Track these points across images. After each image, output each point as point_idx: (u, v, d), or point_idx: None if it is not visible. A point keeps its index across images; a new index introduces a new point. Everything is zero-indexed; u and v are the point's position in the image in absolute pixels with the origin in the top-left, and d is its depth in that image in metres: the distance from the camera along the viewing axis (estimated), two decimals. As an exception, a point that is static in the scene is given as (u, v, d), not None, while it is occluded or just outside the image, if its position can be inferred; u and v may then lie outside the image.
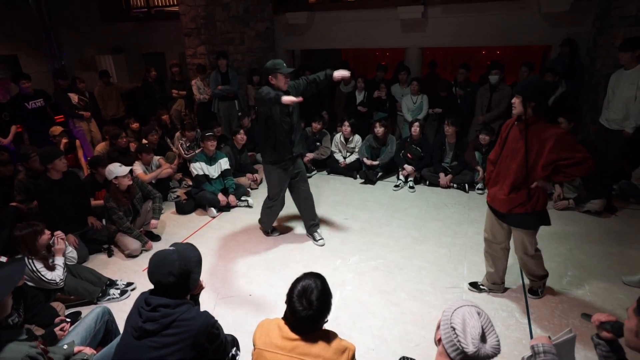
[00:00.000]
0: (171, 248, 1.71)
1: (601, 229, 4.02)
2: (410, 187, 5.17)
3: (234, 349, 2.00)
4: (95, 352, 2.05)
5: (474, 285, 3.19)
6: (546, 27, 5.66)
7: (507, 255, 3.00)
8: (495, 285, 3.11)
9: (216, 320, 1.72)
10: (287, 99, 2.99)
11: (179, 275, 1.63)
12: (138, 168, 4.69)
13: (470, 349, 1.29)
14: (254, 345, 1.64)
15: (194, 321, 1.59)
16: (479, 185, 5.00)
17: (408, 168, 5.24)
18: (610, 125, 4.43)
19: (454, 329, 1.35)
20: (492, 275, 3.07)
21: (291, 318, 1.58)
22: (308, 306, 1.53)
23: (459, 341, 1.32)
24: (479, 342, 1.30)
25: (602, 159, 4.40)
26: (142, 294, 1.72)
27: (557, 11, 5.37)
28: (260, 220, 4.14)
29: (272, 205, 3.86)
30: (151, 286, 1.69)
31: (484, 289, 3.15)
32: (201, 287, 1.93)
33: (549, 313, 2.93)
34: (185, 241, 4.06)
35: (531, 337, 2.71)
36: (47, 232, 2.87)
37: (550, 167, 2.48)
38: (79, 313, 2.98)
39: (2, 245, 3.40)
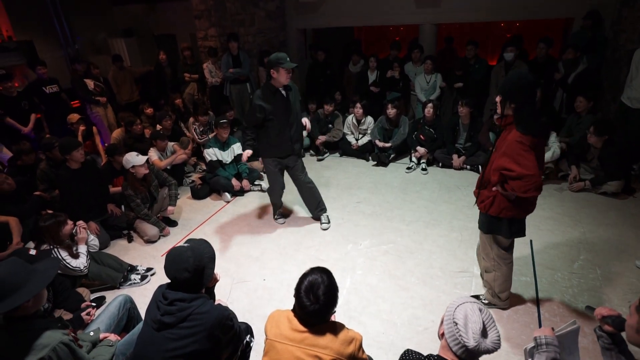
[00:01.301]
0: (186, 245, 1.79)
1: (617, 211, 3.97)
2: (423, 169, 5.15)
3: (248, 335, 2.10)
4: (119, 338, 2.19)
5: None
6: (568, -1, 5.41)
7: None
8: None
9: (230, 312, 1.81)
10: (245, 154, 3.75)
11: (193, 271, 1.71)
12: (153, 154, 4.79)
13: (471, 343, 1.36)
14: (265, 335, 1.73)
15: (209, 314, 1.68)
16: (493, 167, 4.94)
17: (421, 150, 5.21)
18: (632, 104, 4.29)
19: (456, 324, 1.41)
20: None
21: (300, 312, 1.66)
22: (315, 301, 1.60)
23: (460, 336, 1.39)
24: (479, 337, 1.36)
25: (621, 138, 4.30)
26: (160, 287, 1.82)
27: (580, -18, 5.12)
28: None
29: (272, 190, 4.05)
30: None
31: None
32: (216, 280, 2.03)
33: (559, 297, 2.96)
34: (201, 226, 4.22)
35: (539, 321, 2.75)
36: (70, 222, 3.01)
37: (497, 172, 2.31)
38: (104, 298, 3.16)
39: (29, 232, 3.57)
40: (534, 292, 3.02)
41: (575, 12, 5.52)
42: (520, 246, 3.50)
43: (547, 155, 4.40)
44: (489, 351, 1.39)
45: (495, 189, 2.37)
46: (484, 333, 1.39)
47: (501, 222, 2.46)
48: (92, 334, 2.11)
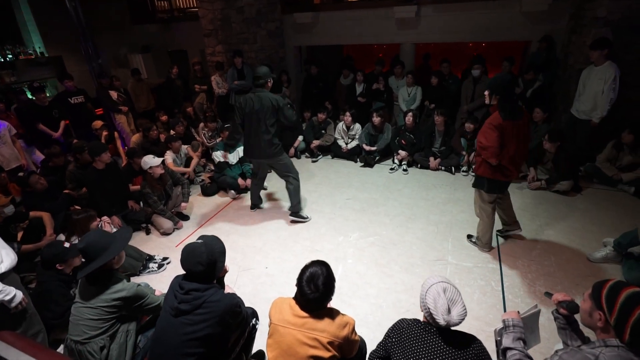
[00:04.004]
0: (199, 241, 1.75)
1: (568, 207, 4.01)
2: (404, 170, 5.15)
3: (254, 319, 2.07)
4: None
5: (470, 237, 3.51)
6: (526, 25, 5.43)
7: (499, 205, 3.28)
8: (505, 224, 3.44)
9: (238, 300, 1.78)
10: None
11: (206, 264, 1.68)
12: (169, 157, 4.72)
13: (442, 322, 1.46)
14: (270, 320, 1.71)
15: (220, 303, 1.66)
16: (464, 168, 4.97)
17: (402, 153, 5.21)
18: (579, 115, 4.33)
19: (429, 309, 1.50)
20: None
21: (301, 299, 1.64)
22: (315, 290, 1.58)
23: (433, 318, 1.49)
24: (447, 315, 1.46)
25: (571, 144, 4.34)
26: (176, 278, 1.78)
27: (536, 10, 5.13)
28: (294, 200, 3.94)
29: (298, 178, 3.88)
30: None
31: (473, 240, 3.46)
32: (225, 271, 2.00)
33: (520, 281, 2.98)
34: (210, 220, 4.17)
35: (504, 303, 2.77)
36: (97, 218, 2.96)
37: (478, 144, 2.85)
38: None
39: (59, 226, 3.49)
40: (499, 276, 3.04)
41: (532, 36, 5.54)
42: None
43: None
44: (457, 324, 1.47)
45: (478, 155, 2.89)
46: (449, 310, 1.48)
47: (483, 180, 2.99)
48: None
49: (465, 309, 1.49)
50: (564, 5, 5.08)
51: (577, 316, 1.62)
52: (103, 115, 6.24)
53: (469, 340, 1.51)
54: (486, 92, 2.80)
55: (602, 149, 4.36)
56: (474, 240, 3.41)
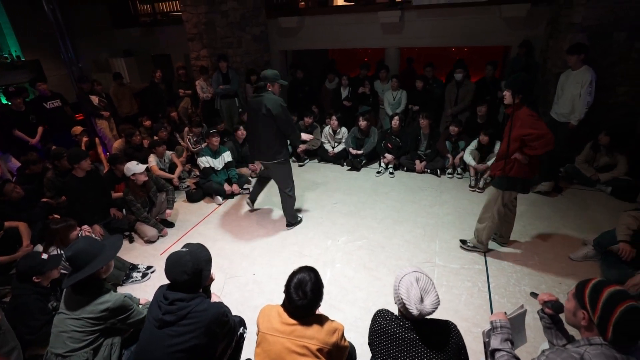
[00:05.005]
0: (184, 250, 1.71)
1: (549, 207, 4.10)
2: (390, 173, 5.18)
3: (242, 328, 2.03)
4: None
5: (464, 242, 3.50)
6: (506, 30, 5.58)
7: (500, 216, 3.21)
8: (495, 234, 3.44)
9: (225, 309, 1.75)
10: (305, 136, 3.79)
11: (192, 273, 1.63)
12: (152, 161, 4.64)
13: (415, 312, 1.45)
14: (258, 329, 1.67)
15: (207, 312, 1.61)
16: (449, 171, 5.04)
17: (388, 156, 5.24)
18: (558, 118, 4.44)
19: (401, 299, 1.50)
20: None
21: (289, 306, 1.61)
22: (303, 296, 1.56)
23: (406, 309, 1.48)
24: (420, 305, 1.46)
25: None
26: (160, 288, 1.73)
27: (515, 16, 5.29)
28: (287, 214, 3.89)
29: (293, 194, 3.81)
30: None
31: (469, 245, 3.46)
32: (212, 280, 1.95)
33: (505, 282, 3.02)
34: (195, 227, 4.10)
35: (490, 303, 2.81)
36: (77, 227, 2.86)
37: (517, 141, 2.75)
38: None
39: (37, 236, 3.37)
40: (485, 277, 3.07)
41: (512, 41, 5.70)
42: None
43: (493, 161, 4.50)
44: (429, 313, 1.47)
45: (515, 156, 2.81)
46: (422, 300, 1.48)
47: (517, 181, 2.94)
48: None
49: (438, 297, 1.48)
50: (541, 12, 5.24)
51: (562, 315, 1.65)
52: (83, 120, 6.08)
53: (446, 335, 1.52)
54: (507, 92, 2.79)
55: (580, 150, 4.49)
56: (471, 246, 3.37)
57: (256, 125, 3.41)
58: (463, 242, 3.46)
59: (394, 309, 1.71)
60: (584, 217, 3.87)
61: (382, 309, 1.66)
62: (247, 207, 4.44)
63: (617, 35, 4.37)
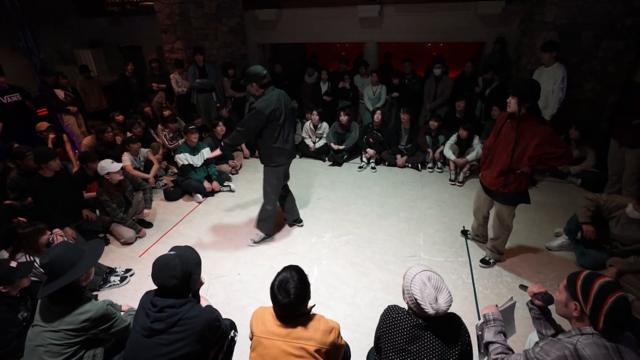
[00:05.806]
0: (172, 253, 1.62)
1: (525, 199, 4.25)
2: (372, 168, 5.20)
3: (232, 331, 1.97)
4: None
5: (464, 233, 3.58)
6: (481, 27, 5.69)
7: (486, 222, 3.31)
8: (477, 236, 3.45)
9: (217, 313, 1.68)
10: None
11: (181, 277, 1.55)
12: (127, 160, 4.40)
13: (431, 312, 1.44)
14: (251, 333, 1.62)
15: (199, 318, 1.54)
16: (429, 165, 5.12)
17: (370, 151, 5.26)
18: (533, 113, 4.60)
19: (415, 299, 1.48)
20: (476, 228, 3.41)
21: (275, 307, 1.58)
22: (286, 295, 1.52)
23: (420, 308, 1.47)
24: (435, 304, 1.45)
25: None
26: (147, 294, 1.64)
27: (490, 13, 5.40)
28: (261, 227, 3.54)
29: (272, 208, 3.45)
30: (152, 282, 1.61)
31: (470, 236, 3.55)
32: (201, 284, 1.86)
33: (488, 273, 3.11)
34: (175, 226, 3.94)
35: (475, 294, 2.87)
36: (48, 231, 2.66)
37: (535, 159, 2.55)
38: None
39: (1, 241, 3.11)
40: (469, 269, 3.15)
41: (487, 38, 5.83)
42: (456, 232, 3.65)
43: (472, 155, 4.62)
44: (445, 311, 1.47)
45: (521, 171, 2.65)
46: (437, 299, 1.47)
47: (523, 194, 2.82)
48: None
49: (450, 294, 1.48)
50: (515, 10, 5.38)
51: (551, 307, 1.70)
52: (48, 116, 5.68)
53: (457, 328, 1.53)
54: (512, 99, 2.50)
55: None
56: (492, 261, 3.17)
57: (285, 122, 3.08)
58: (484, 261, 3.20)
59: (384, 305, 1.72)
60: (556, 208, 4.04)
61: (393, 305, 1.66)
62: (228, 205, 4.32)
63: (585, 34, 4.57)
